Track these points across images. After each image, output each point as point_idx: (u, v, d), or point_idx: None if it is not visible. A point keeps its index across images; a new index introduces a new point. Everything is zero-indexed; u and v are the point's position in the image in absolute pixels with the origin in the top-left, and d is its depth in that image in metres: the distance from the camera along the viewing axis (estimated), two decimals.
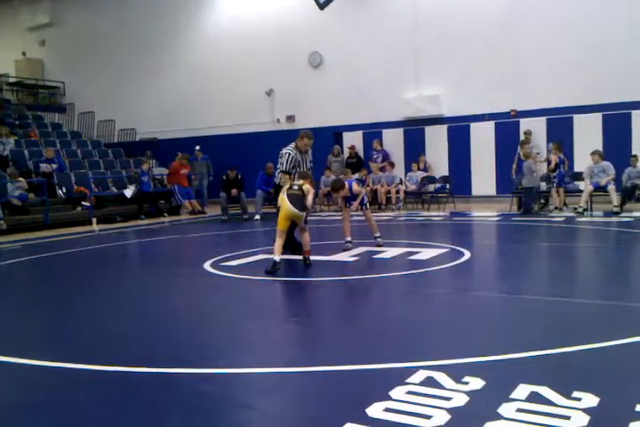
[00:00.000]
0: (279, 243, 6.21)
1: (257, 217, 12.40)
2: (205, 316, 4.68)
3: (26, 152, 14.48)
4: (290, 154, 7.15)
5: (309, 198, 6.39)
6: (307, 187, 6.50)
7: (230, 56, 16.91)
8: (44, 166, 13.57)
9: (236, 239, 9.83)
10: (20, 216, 11.87)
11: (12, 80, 20.53)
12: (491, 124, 13.73)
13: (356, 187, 7.50)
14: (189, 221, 13.15)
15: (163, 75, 18.17)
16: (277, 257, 6.03)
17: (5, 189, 11.97)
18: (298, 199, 6.35)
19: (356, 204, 7.46)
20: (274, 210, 13.47)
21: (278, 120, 16.57)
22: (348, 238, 7.47)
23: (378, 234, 7.62)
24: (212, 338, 3.95)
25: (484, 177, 13.77)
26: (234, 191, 12.67)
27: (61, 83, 20.39)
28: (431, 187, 13.81)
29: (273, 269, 5.93)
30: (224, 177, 13.03)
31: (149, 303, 5.27)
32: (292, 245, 7.07)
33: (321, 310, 4.75)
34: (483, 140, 13.76)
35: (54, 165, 13.69)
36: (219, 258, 7.06)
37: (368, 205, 7.69)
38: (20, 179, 12.31)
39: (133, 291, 5.90)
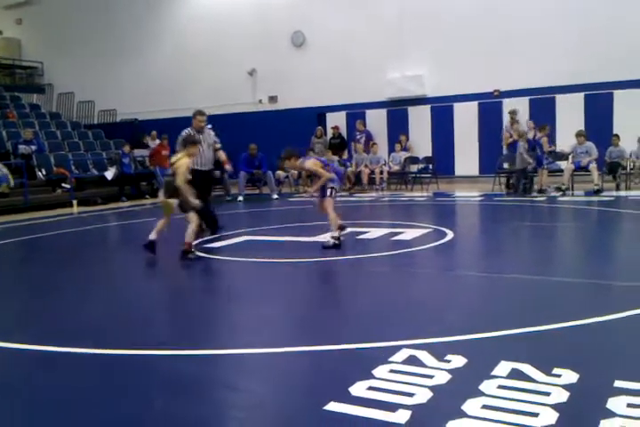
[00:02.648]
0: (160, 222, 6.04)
1: (240, 198, 12.34)
2: (188, 298, 4.68)
3: (4, 133, 14.21)
4: (182, 135, 7.10)
5: (179, 178, 5.77)
6: (179, 163, 5.89)
7: (212, 36, 16.62)
8: (22, 148, 13.33)
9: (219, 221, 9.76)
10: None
11: None
12: (474, 105, 13.71)
13: (310, 164, 6.36)
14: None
15: (143, 55, 17.83)
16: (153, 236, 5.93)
17: None
18: (169, 184, 5.83)
19: (314, 186, 6.49)
20: (257, 191, 13.49)
21: (260, 101, 16.39)
22: (336, 234, 6.23)
23: (336, 234, 6.20)
24: (195, 320, 3.94)
25: (467, 157, 13.79)
26: (216, 173, 12.55)
27: (39, 63, 19.93)
28: (414, 167, 13.82)
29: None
30: None
31: (132, 286, 5.26)
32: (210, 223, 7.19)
33: (303, 290, 4.76)
34: (466, 120, 13.75)
35: (33, 147, 13.47)
36: (201, 240, 7.00)
37: (333, 192, 6.31)
38: None
39: (116, 274, 5.86)
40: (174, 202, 5.83)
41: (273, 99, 16.27)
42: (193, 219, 5.91)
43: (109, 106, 17.85)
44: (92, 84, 18.04)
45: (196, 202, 5.91)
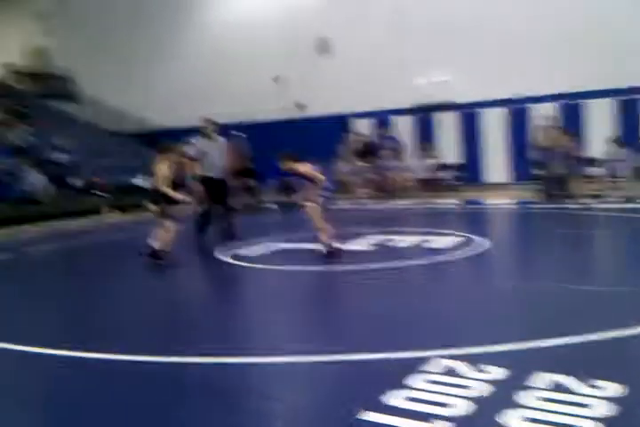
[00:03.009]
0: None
1: (272, 206, 12.44)
2: (221, 305, 4.75)
3: (39, 142, 14.55)
4: (195, 144, 7.62)
5: (159, 184, 5.94)
6: (158, 168, 6.06)
7: (238, 44, 16.85)
8: (57, 156, 13.64)
9: (249, 229, 9.86)
10: (35, 206, 11.97)
11: (21, 69, 20.53)
12: (502, 110, 13.64)
13: (304, 168, 6.26)
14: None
15: (172, 64, 18.13)
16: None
17: (21, 179, 12.06)
18: (151, 192, 6.11)
19: (306, 193, 6.41)
20: (286, 198, 13.54)
21: (287, 108, 16.51)
22: (328, 241, 6.22)
23: (325, 240, 6.21)
24: (229, 327, 3.99)
25: (496, 163, 13.71)
26: (246, 180, 12.68)
27: (71, 71, 20.36)
28: (444, 174, 13.77)
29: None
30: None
31: (167, 293, 5.36)
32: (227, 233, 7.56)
33: (337, 298, 4.78)
34: (494, 125, 13.67)
35: (67, 155, 13.77)
36: (232, 247, 7.10)
37: (320, 201, 6.24)
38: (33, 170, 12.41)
39: (151, 280, 5.99)
40: (155, 208, 6.06)
41: (300, 106, 16.38)
42: (169, 227, 6.08)
43: (140, 114, 18.16)
44: (124, 93, 18.38)
45: (181, 196, 6.15)
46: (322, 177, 6.17)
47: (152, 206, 6.09)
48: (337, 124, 15.21)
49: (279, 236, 8.21)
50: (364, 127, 15.11)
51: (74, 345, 3.61)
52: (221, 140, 7.83)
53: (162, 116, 17.82)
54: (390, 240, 7.09)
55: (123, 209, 13.09)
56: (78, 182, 13.53)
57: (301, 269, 5.83)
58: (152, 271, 6.40)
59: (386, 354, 3.15)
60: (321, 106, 15.56)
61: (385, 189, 13.61)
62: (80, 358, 3.40)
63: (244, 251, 6.88)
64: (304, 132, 15.45)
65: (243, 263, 6.16)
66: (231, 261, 6.35)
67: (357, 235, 7.56)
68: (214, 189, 7.50)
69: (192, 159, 7.55)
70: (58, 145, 14.10)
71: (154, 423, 2.55)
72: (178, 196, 6.09)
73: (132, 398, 2.82)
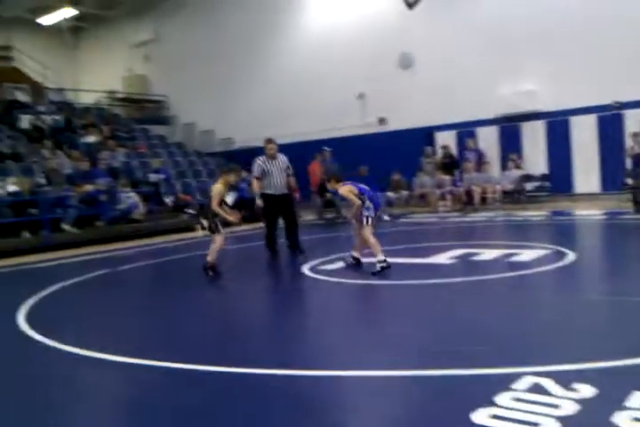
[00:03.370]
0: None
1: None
2: (306, 319, 4.84)
3: (135, 163, 15.50)
4: (257, 161, 8.04)
5: (213, 202, 6.52)
6: (214, 187, 6.71)
7: (320, 62, 17.22)
8: (152, 176, 14.47)
9: (332, 243, 10.03)
10: (131, 224, 12.73)
11: (120, 96, 21.99)
12: (592, 118, 13.12)
13: (343, 190, 6.47)
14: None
15: (257, 85, 18.80)
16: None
17: (118, 199, 12.88)
18: (201, 208, 6.86)
19: (349, 213, 6.74)
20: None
21: (369, 123, 16.67)
22: (381, 257, 6.23)
23: (381, 257, 6.22)
24: (314, 341, 4.08)
25: (586, 174, 13.17)
26: (328, 195, 12.91)
27: (165, 96, 21.58)
28: (529, 185, 13.39)
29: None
30: (321, 181, 13.30)
31: (253, 306, 5.54)
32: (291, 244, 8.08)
33: (420, 313, 4.71)
34: (584, 134, 13.17)
35: (161, 175, 14.56)
36: (316, 262, 7.24)
37: (369, 220, 6.40)
38: (130, 191, 13.20)
39: (237, 294, 6.22)
40: (205, 223, 6.64)
41: (382, 121, 16.49)
42: (218, 240, 6.63)
43: (228, 134, 18.92)
44: (212, 114, 19.24)
45: (232, 218, 6.75)
46: (357, 200, 6.35)
47: (204, 222, 6.71)
48: (419, 138, 15.19)
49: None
50: (447, 139, 14.98)
51: (159, 355, 3.78)
52: (282, 158, 8.15)
53: (250, 136, 18.45)
54: (473, 254, 6.99)
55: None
56: (170, 201, 14.24)
57: (381, 284, 5.85)
58: (234, 284, 6.65)
59: (475, 370, 3.10)
60: (403, 120, 15.60)
61: (468, 202, 13.41)
62: (165, 367, 3.56)
63: (323, 264, 6.99)
64: (387, 147, 15.55)
65: (322, 277, 6.27)
66: (311, 274, 6.49)
67: (438, 249, 7.52)
68: (275, 206, 7.97)
69: (256, 178, 8.04)
70: (152, 166, 14.93)
71: None
72: (225, 214, 6.65)
73: (214, 408, 2.91)
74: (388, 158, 14.64)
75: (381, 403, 2.87)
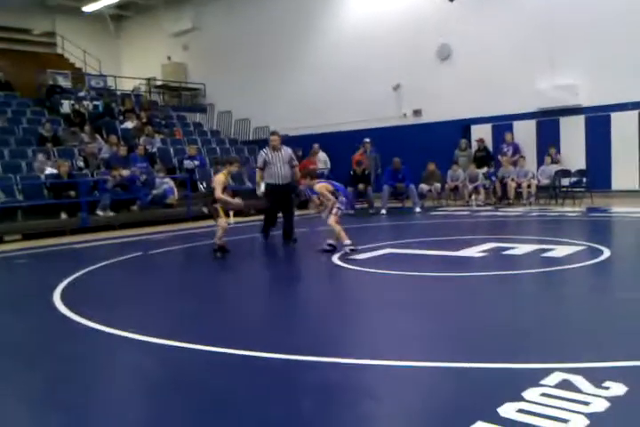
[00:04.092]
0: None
1: (383, 211, 12.56)
2: (334, 308, 4.84)
3: (171, 150, 15.74)
4: (261, 153, 8.68)
5: (217, 191, 7.05)
6: (217, 177, 7.24)
7: (358, 53, 17.14)
8: (187, 163, 14.66)
9: (363, 234, 10.04)
10: (165, 209, 12.96)
11: (158, 83, 22.30)
12: (634, 114, 12.79)
13: (318, 187, 7.21)
14: (318, 214, 13.58)
15: (294, 74, 18.85)
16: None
17: (154, 184, 13.12)
18: (206, 196, 7.57)
19: (325, 209, 7.31)
20: (399, 205, 13.61)
21: (405, 115, 16.57)
22: (348, 241, 6.99)
23: (333, 242, 7.24)
24: (342, 329, 4.09)
25: (626, 170, 12.86)
26: (361, 186, 12.92)
27: (202, 84, 21.80)
28: (565, 181, 13.14)
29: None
30: (351, 172, 13.32)
31: (281, 294, 5.59)
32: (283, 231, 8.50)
33: (449, 305, 4.67)
34: (625, 130, 12.85)
35: (196, 162, 14.75)
36: (347, 251, 7.26)
37: (338, 211, 7.14)
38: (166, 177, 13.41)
39: (264, 282, 6.30)
40: (206, 210, 7.42)
41: (417, 112, 16.37)
42: (220, 224, 7.20)
43: (263, 123, 19.02)
44: (248, 103, 19.35)
45: (237, 201, 7.55)
46: (332, 198, 7.12)
47: (205, 209, 7.47)
48: (455, 130, 15.03)
49: (390, 240, 8.29)
50: (482, 133, 14.79)
51: (191, 337, 3.86)
52: (286, 150, 8.62)
53: (285, 125, 18.51)
54: (505, 248, 6.92)
55: (246, 213, 13.77)
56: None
57: (411, 275, 5.84)
58: (263, 271, 6.74)
59: (505, 364, 3.08)
60: (439, 112, 15.47)
61: (502, 196, 13.25)
62: (195, 349, 3.63)
63: (354, 254, 7.00)
64: (421, 139, 15.44)
65: (353, 266, 6.29)
66: (341, 263, 6.51)
67: (469, 242, 7.47)
68: (276, 195, 8.45)
69: (259, 168, 8.61)
70: (188, 152, 15.13)
71: (266, 416, 2.65)
72: (229, 199, 7.32)
73: (244, 392, 2.95)
74: (423, 150, 14.53)
75: (406, 394, 2.87)
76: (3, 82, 17.31)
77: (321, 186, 7.22)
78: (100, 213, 11.94)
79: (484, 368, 3.07)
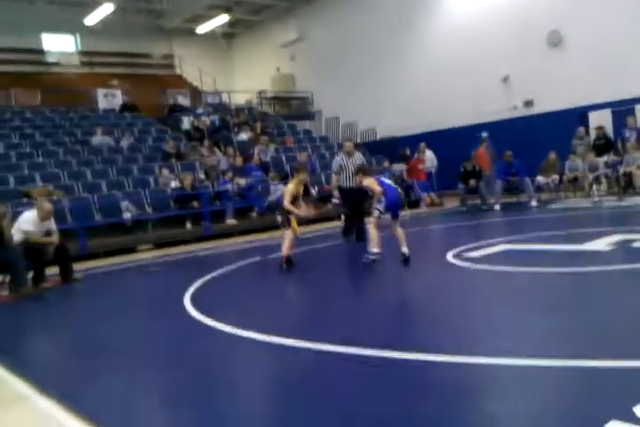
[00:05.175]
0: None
1: (496, 207, 12.23)
2: (453, 306, 4.78)
3: (283, 157, 16.31)
4: (336, 158, 9.23)
5: (285, 200, 6.95)
6: (285, 189, 7.29)
7: (463, 47, 16.84)
8: None
9: (477, 230, 9.88)
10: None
11: (269, 95, 23.19)
12: None
13: (368, 182, 6.63)
14: (429, 213, 13.51)
15: (399, 75, 18.86)
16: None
17: (268, 191, 13.68)
18: (278, 206, 7.34)
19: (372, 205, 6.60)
20: (514, 199, 13.19)
21: (516, 107, 16.01)
22: (374, 250, 6.62)
23: (374, 250, 6.62)
24: (462, 328, 4.04)
25: None
26: (472, 182, 12.68)
27: (309, 92, 22.38)
28: None
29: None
30: (462, 168, 13.12)
31: (400, 293, 5.68)
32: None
33: (579, 302, 4.46)
34: None
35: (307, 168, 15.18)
36: (460, 249, 7.19)
37: (377, 214, 6.51)
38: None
39: (382, 280, 6.40)
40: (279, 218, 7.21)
41: (528, 103, 15.77)
42: (288, 235, 7.04)
43: (370, 125, 19.19)
44: (354, 107, 19.61)
45: (304, 213, 7.29)
46: (378, 188, 6.50)
47: (279, 217, 7.28)
48: (571, 119, 14.29)
49: (506, 236, 8.10)
50: (602, 119, 13.95)
51: (314, 337, 4.01)
52: (358, 155, 9.10)
53: (391, 126, 18.59)
54: (633, 240, 6.51)
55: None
56: (316, 192, 14.81)
57: (532, 271, 5.63)
58: (381, 272, 6.83)
59: (637, 362, 2.95)
60: (552, 101, 14.80)
61: (627, 185, 12.41)
62: (319, 350, 3.77)
63: (467, 251, 6.94)
64: (534, 130, 14.85)
65: (467, 264, 6.23)
66: (455, 261, 6.47)
67: (594, 235, 7.12)
68: (351, 197, 8.70)
69: (335, 173, 9.08)
70: (299, 159, 15.60)
71: (380, 416, 2.70)
72: (295, 210, 7.10)
73: (359, 390, 3.03)
74: (537, 142, 13.97)
75: (536, 393, 2.81)
76: (129, 105, 18.84)
77: (370, 181, 6.68)
78: (229, 221, 12.72)
79: (619, 367, 2.95)
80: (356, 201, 8.62)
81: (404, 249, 6.54)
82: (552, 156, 13.18)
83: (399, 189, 6.88)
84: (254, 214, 13.33)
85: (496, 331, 3.89)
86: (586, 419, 2.41)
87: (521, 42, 15.43)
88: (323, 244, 9.70)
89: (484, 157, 14.24)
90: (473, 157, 14.02)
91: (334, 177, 9.13)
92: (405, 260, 6.51)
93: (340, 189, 9.01)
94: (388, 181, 6.81)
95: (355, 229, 8.98)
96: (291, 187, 7.18)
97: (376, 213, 6.51)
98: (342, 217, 9.67)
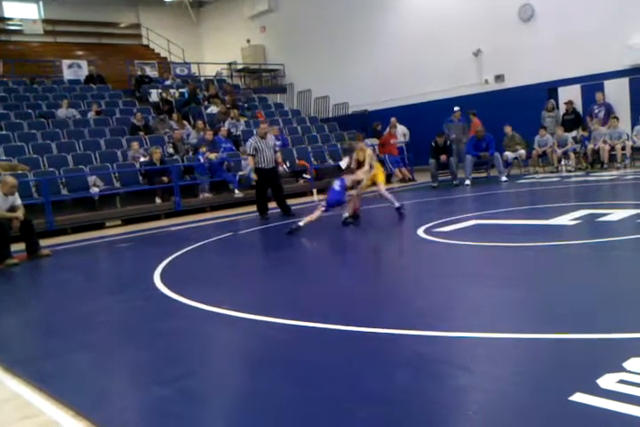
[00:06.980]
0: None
1: (467, 182, 12.33)
2: (423, 280, 4.83)
3: (254, 131, 16.07)
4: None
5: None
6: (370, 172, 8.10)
7: (434, 21, 16.74)
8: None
9: (447, 205, 9.95)
10: (252, 190, 13.32)
11: (239, 67, 22.78)
12: None
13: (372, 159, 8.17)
14: (401, 188, 13.55)
15: (371, 49, 18.68)
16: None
17: (239, 166, 13.55)
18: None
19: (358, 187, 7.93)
20: (484, 175, 13.30)
21: (486, 81, 16.04)
22: (346, 214, 7.94)
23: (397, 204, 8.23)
24: (431, 302, 4.07)
25: None
26: (443, 157, 12.72)
27: (281, 65, 22.04)
28: None
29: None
30: (432, 143, 13.12)
31: (369, 268, 5.71)
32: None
33: (540, 275, 4.53)
34: None
35: (278, 142, 15.01)
36: (431, 224, 7.24)
37: (323, 209, 7.69)
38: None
39: (352, 257, 6.42)
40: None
41: (499, 78, 15.83)
42: (319, 210, 7.57)
43: (342, 99, 19.03)
44: (327, 81, 19.43)
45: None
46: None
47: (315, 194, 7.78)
48: (541, 94, 14.39)
49: (476, 211, 8.19)
50: (571, 95, 14.08)
51: (281, 313, 4.04)
52: (270, 137, 10.00)
53: (363, 101, 18.47)
54: (599, 215, 6.64)
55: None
56: (289, 167, 14.72)
57: (500, 245, 5.70)
58: (352, 246, 6.86)
59: (605, 335, 2.99)
60: (523, 76, 14.88)
61: (594, 160, 12.63)
62: (287, 324, 3.79)
63: (437, 227, 6.99)
64: (505, 105, 14.93)
65: (437, 239, 6.27)
66: (426, 236, 6.51)
67: (561, 210, 7.24)
68: (265, 178, 9.65)
69: (250, 155, 9.62)
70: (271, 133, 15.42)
71: (363, 389, 2.70)
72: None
73: (333, 365, 3.04)
74: (507, 117, 14.05)
75: (501, 366, 2.84)
76: (95, 76, 18.31)
77: (368, 154, 8.18)
78: (204, 194, 12.76)
79: (583, 339, 2.99)
80: (271, 180, 9.61)
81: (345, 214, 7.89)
82: (507, 129, 13.29)
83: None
84: (236, 190, 13.14)
85: (466, 306, 3.92)
86: (552, 392, 2.45)
87: (492, 16, 15.39)
88: (295, 219, 9.68)
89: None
90: (468, 128, 14.08)
91: (250, 159, 9.65)
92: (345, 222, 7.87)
93: (258, 170, 9.55)
94: (335, 184, 7.79)
95: (268, 207, 9.91)
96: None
97: (322, 208, 7.60)
98: (314, 191, 9.83)
